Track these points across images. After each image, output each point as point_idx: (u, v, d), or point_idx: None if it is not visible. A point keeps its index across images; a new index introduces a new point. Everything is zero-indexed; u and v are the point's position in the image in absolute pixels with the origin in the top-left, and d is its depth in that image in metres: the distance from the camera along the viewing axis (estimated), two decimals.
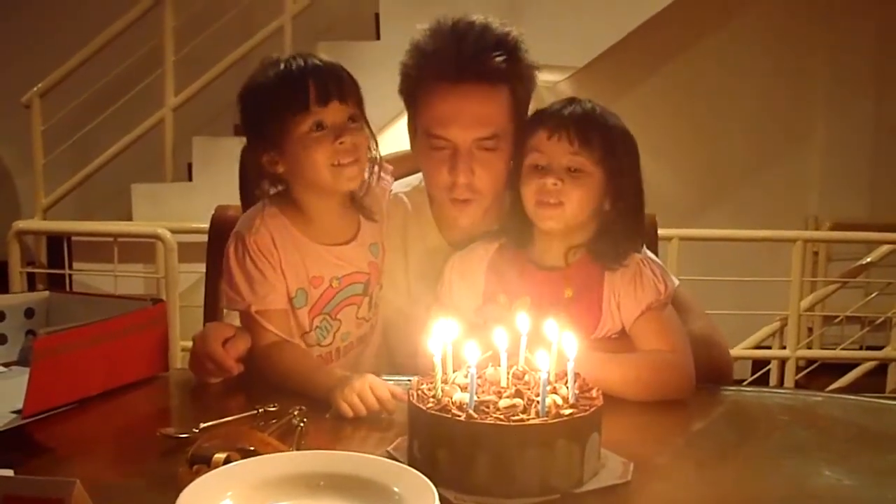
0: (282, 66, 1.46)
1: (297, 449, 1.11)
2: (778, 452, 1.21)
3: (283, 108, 1.43)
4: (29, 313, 1.60)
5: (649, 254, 1.54)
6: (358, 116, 1.47)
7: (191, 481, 0.94)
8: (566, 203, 1.42)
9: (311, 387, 1.37)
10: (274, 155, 1.48)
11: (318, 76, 1.43)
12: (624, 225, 1.45)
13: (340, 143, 1.43)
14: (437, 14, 1.56)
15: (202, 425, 1.20)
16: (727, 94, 5.19)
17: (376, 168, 1.54)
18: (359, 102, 1.48)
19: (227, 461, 1.00)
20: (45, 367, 1.24)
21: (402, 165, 1.73)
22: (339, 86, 1.44)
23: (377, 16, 4.32)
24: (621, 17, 4.28)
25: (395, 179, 1.71)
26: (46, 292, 1.63)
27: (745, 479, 1.13)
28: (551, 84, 4.97)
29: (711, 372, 1.45)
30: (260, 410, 1.28)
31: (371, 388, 1.30)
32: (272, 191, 1.53)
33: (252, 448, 1.06)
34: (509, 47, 1.52)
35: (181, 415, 1.46)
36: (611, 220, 1.45)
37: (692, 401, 1.36)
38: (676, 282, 1.50)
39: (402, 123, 1.68)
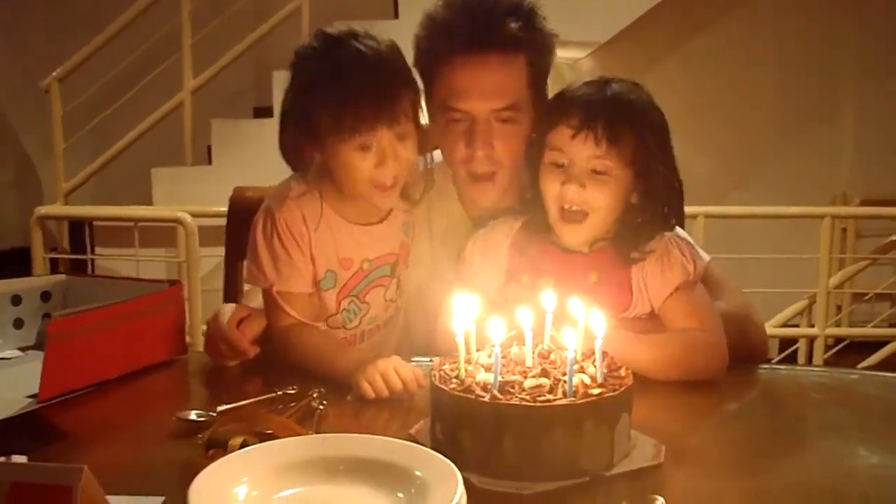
0: (338, 57, 1.36)
1: (317, 432, 1.08)
2: (814, 432, 1.17)
3: (327, 118, 1.36)
4: (45, 297, 1.58)
5: (679, 230, 1.49)
6: (408, 133, 1.39)
7: (206, 466, 0.90)
8: (590, 214, 1.35)
9: (332, 369, 1.33)
10: (315, 146, 1.42)
11: (371, 95, 1.34)
12: (652, 214, 1.38)
13: (382, 167, 1.38)
14: None
15: (219, 408, 1.18)
16: (753, 68, 5.09)
17: (425, 176, 1.52)
18: (413, 114, 1.40)
19: (243, 445, 0.97)
20: (60, 350, 1.22)
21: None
22: (391, 107, 1.35)
23: None
24: None
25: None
26: (63, 275, 1.61)
27: (780, 460, 1.08)
28: (572, 61, 4.89)
29: (746, 350, 1.40)
30: (279, 393, 1.25)
31: (395, 370, 1.27)
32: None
33: (270, 431, 1.02)
34: (525, 14, 1.46)
35: (199, 398, 1.43)
36: (636, 215, 1.38)
37: (724, 380, 1.32)
38: (707, 258, 1.45)
39: None
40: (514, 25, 1.44)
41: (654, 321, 1.39)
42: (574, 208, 1.34)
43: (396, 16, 4.20)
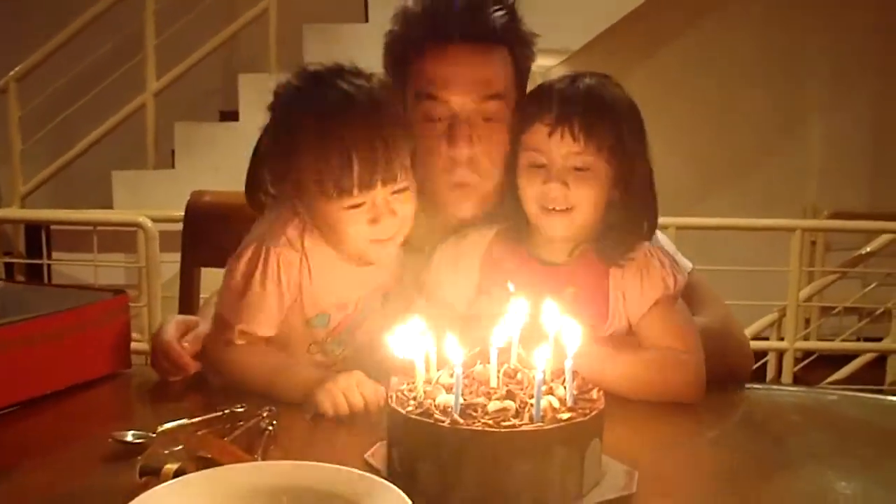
0: (322, 102, 1.22)
1: (264, 457, 1.00)
2: (794, 459, 1.10)
3: (310, 174, 1.22)
4: None
5: (661, 239, 1.42)
6: (404, 186, 1.25)
7: (137, 495, 0.82)
8: (576, 208, 1.28)
9: (287, 386, 1.23)
10: (295, 197, 1.28)
11: (364, 150, 1.19)
12: (633, 215, 1.31)
13: (377, 225, 1.25)
14: None
15: (160, 428, 1.09)
16: (725, 80, 5.08)
17: None
18: (411, 164, 1.27)
19: (178, 473, 0.88)
20: None
21: None
22: (388, 163, 1.21)
23: None
24: (616, 1, 4.17)
25: None
26: (0, 282, 1.51)
27: (759, 490, 1.02)
28: (545, 69, 4.85)
29: (726, 368, 1.32)
30: (225, 412, 1.16)
31: (357, 386, 1.18)
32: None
33: (210, 457, 0.94)
34: (508, 5, 1.39)
35: (141, 416, 1.33)
36: (618, 211, 1.31)
37: (700, 401, 1.25)
38: (689, 266, 1.38)
39: None
40: (498, 15, 1.37)
41: (630, 339, 1.32)
42: (558, 208, 1.28)
43: (367, 19, 4.12)
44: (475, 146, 1.35)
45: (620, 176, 1.29)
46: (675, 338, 1.28)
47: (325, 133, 1.21)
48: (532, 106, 1.32)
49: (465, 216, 1.40)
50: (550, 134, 1.27)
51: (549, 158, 1.28)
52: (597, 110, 1.27)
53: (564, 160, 1.27)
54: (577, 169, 1.27)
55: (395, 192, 1.24)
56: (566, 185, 1.27)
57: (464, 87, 1.34)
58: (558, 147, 1.27)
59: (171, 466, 0.89)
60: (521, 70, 1.41)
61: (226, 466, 0.89)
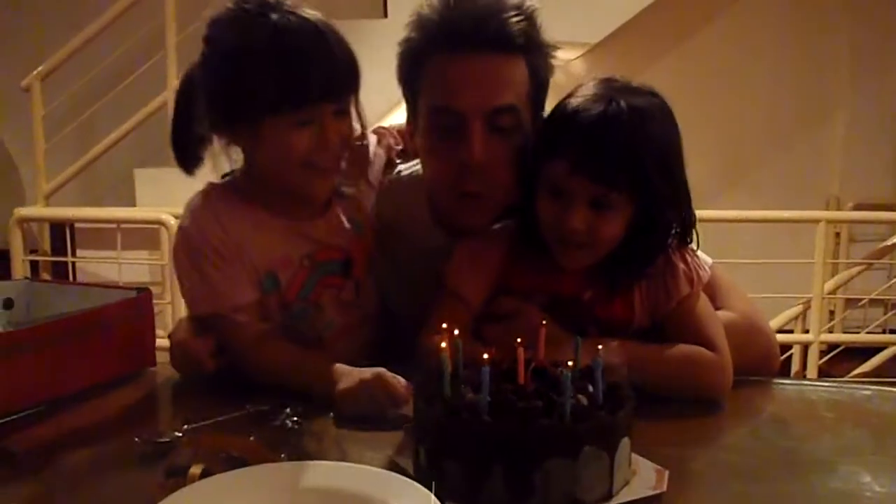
0: (272, 32, 1.20)
1: (289, 456, 0.99)
2: (829, 457, 1.08)
3: (264, 89, 1.21)
4: (7, 304, 1.48)
5: None
6: (347, 109, 1.28)
7: (163, 497, 0.82)
8: (595, 243, 1.22)
9: (310, 380, 1.22)
10: (229, 131, 1.28)
11: (320, 62, 1.21)
12: (659, 237, 1.26)
13: (321, 146, 1.25)
14: None
15: (185, 427, 1.09)
16: (745, 71, 5.03)
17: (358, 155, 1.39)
18: (354, 88, 1.28)
19: (204, 473, 0.88)
20: (4, 368, 1.12)
21: None
22: (337, 78, 1.24)
23: None
24: None
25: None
26: (26, 280, 1.52)
27: (792, 489, 1.00)
28: (563, 62, 4.81)
29: (752, 362, 1.30)
30: (250, 410, 1.16)
31: (382, 383, 1.16)
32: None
33: (236, 456, 0.94)
34: (526, 14, 1.33)
35: (166, 415, 1.34)
36: (643, 236, 1.25)
37: (729, 397, 1.23)
38: (709, 261, 1.36)
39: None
40: (514, 22, 1.30)
41: (655, 337, 1.29)
42: (576, 241, 1.22)
43: (385, 14, 4.11)
44: (485, 154, 1.30)
45: (649, 210, 1.22)
46: (700, 335, 1.26)
47: (282, 48, 1.20)
48: (554, 133, 1.23)
49: (472, 226, 1.37)
50: (572, 172, 1.19)
51: (570, 191, 1.20)
52: (630, 149, 1.17)
53: (586, 195, 1.20)
54: (601, 205, 1.20)
55: (338, 115, 1.25)
56: (585, 219, 1.20)
57: (475, 96, 1.29)
58: (580, 183, 1.19)
59: (198, 468, 0.89)
60: (538, 82, 1.35)
61: (252, 467, 0.89)
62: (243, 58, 1.23)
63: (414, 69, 1.36)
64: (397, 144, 1.56)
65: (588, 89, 1.22)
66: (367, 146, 1.47)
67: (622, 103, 1.18)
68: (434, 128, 1.34)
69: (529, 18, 1.33)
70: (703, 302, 1.30)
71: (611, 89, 1.21)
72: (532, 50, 1.34)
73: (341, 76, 1.24)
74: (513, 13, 1.31)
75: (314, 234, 1.37)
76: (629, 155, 1.17)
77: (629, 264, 1.27)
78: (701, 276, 1.29)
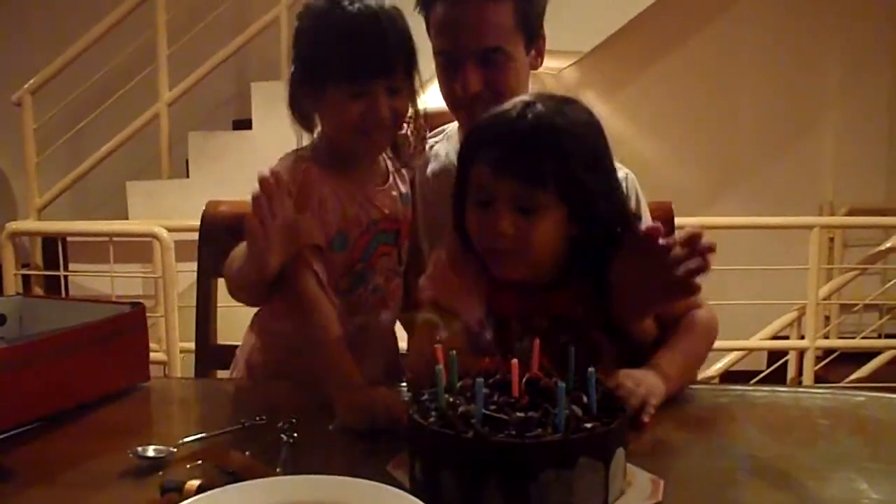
0: (341, 10, 1.37)
1: (284, 470, 0.99)
2: (824, 464, 1.08)
3: (323, 63, 1.37)
4: (1, 319, 1.48)
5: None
6: (401, 89, 1.40)
7: None
8: (525, 249, 1.19)
9: (328, 373, 1.25)
10: (312, 97, 1.43)
11: (370, 42, 1.35)
12: (598, 239, 1.22)
13: (369, 113, 1.37)
14: None
15: (180, 442, 1.09)
16: (736, 78, 5.06)
17: (412, 132, 1.51)
18: (409, 68, 1.41)
19: (201, 488, 0.88)
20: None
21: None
22: (386, 59, 1.36)
23: None
24: (627, 1, 4.15)
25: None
26: (19, 296, 1.51)
27: (788, 496, 1.00)
28: (556, 71, 4.84)
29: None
30: (246, 424, 1.16)
31: (383, 402, 1.15)
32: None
33: (233, 471, 0.93)
34: None
35: (161, 429, 1.33)
36: (581, 241, 1.22)
37: (724, 404, 1.24)
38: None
39: None
40: None
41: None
42: (504, 247, 1.19)
43: None
44: (483, 78, 1.46)
45: (577, 211, 1.20)
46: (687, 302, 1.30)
47: (338, 29, 1.36)
48: (474, 142, 1.24)
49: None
50: (495, 173, 1.18)
51: (495, 196, 1.18)
52: (547, 149, 1.16)
53: (511, 200, 1.18)
54: (526, 209, 1.18)
55: (391, 92, 1.38)
56: (512, 226, 1.17)
57: (462, 32, 1.45)
58: (504, 187, 1.17)
59: (194, 482, 0.88)
60: (528, 15, 1.48)
61: (249, 482, 0.88)
62: (314, 36, 1.41)
63: (427, 21, 1.52)
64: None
65: (503, 107, 1.23)
66: (425, 132, 1.60)
67: (538, 104, 1.19)
68: (440, 65, 1.51)
69: None
70: None
71: (525, 101, 1.21)
72: None
73: (391, 57, 1.37)
74: None
75: (378, 202, 1.47)
76: (549, 148, 1.16)
77: (598, 263, 1.24)
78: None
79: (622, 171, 1.53)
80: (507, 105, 1.22)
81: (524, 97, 1.23)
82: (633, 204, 1.53)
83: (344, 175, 1.44)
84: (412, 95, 1.44)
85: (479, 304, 1.26)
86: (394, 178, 1.53)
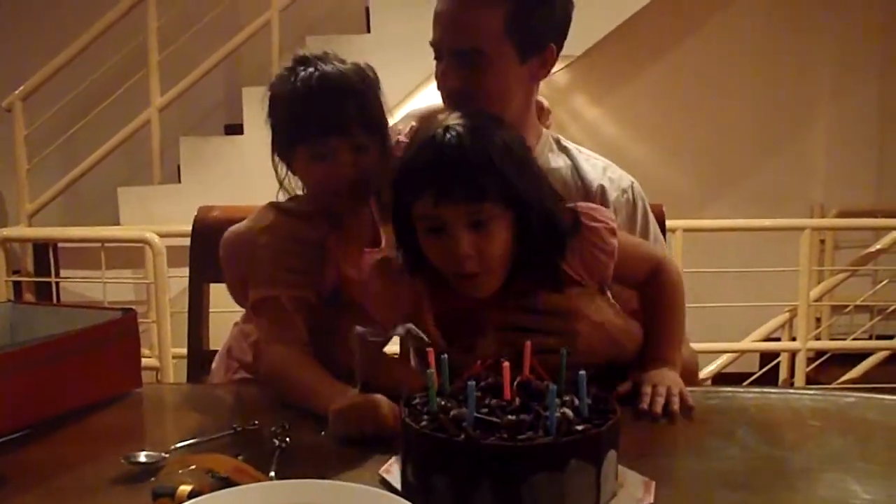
0: (297, 77, 1.38)
1: (277, 474, 0.99)
2: (815, 465, 1.08)
3: (286, 131, 1.40)
4: None
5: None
6: (368, 145, 1.38)
7: None
8: (489, 264, 1.21)
9: (310, 396, 1.25)
10: (284, 161, 1.45)
11: (322, 104, 1.36)
12: (547, 237, 1.23)
13: (334, 174, 1.37)
14: (428, 7, 1.48)
15: (172, 447, 1.09)
16: (728, 81, 5.07)
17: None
18: (371, 126, 1.39)
19: (192, 494, 0.88)
20: None
21: None
22: (341, 117, 1.36)
23: (367, 9, 4.20)
24: (619, 4, 4.17)
25: None
26: (10, 303, 1.51)
27: (779, 497, 1.01)
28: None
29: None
30: (238, 429, 1.16)
31: (371, 408, 1.15)
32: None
33: (225, 476, 0.93)
34: None
35: (153, 435, 1.32)
36: (532, 242, 1.23)
37: (715, 406, 1.24)
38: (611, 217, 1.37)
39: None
40: None
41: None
42: (467, 271, 1.21)
43: (368, 30, 4.12)
44: (459, 78, 1.44)
45: (520, 212, 1.21)
46: (647, 261, 1.36)
47: (294, 93, 1.38)
48: (407, 178, 1.23)
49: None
50: (436, 203, 1.18)
51: (446, 221, 1.19)
52: (478, 154, 1.18)
53: (462, 219, 1.18)
54: (478, 222, 1.19)
55: (354, 149, 1.37)
56: (473, 246, 1.19)
57: (443, 28, 1.44)
58: (452, 209, 1.18)
59: (186, 488, 0.88)
60: (521, 32, 1.43)
61: (241, 487, 0.89)
62: (276, 102, 1.42)
63: None
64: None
65: (417, 136, 1.27)
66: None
67: (454, 123, 1.20)
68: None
69: None
70: (623, 235, 1.35)
71: (437, 123, 1.23)
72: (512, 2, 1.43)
73: (346, 115, 1.36)
74: None
75: (372, 255, 1.43)
76: (481, 159, 1.18)
77: (548, 254, 1.26)
78: (610, 218, 1.33)
79: (627, 180, 1.55)
80: (420, 136, 1.23)
81: (429, 125, 1.24)
82: (639, 212, 1.54)
83: (338, 233, 1.43)
84: (384, 151, 1.41)
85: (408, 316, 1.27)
86: (384, 238, 1.49)
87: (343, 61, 1.41)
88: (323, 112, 1.35)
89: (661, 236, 1.60)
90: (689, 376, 1.38)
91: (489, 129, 1.21)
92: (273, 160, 1.44)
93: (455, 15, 1.44)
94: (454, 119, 1.21)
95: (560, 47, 1.51)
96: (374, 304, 1.34)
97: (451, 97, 1.47)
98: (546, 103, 1.71)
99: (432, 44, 1.48)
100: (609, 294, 1.40)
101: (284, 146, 1.41)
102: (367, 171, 1.39)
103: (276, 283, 1.37)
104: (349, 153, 1.37)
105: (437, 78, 1.50)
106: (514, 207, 1.20)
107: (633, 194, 1.54)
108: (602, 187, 1.52)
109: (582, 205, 1.34)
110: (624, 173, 1.58)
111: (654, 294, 1.37)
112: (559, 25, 1.50)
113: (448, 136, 1.19)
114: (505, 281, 1.25)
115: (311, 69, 1.38)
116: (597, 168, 1.56)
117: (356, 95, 1.37)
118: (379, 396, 1.16)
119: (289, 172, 1.44)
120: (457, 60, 1.45)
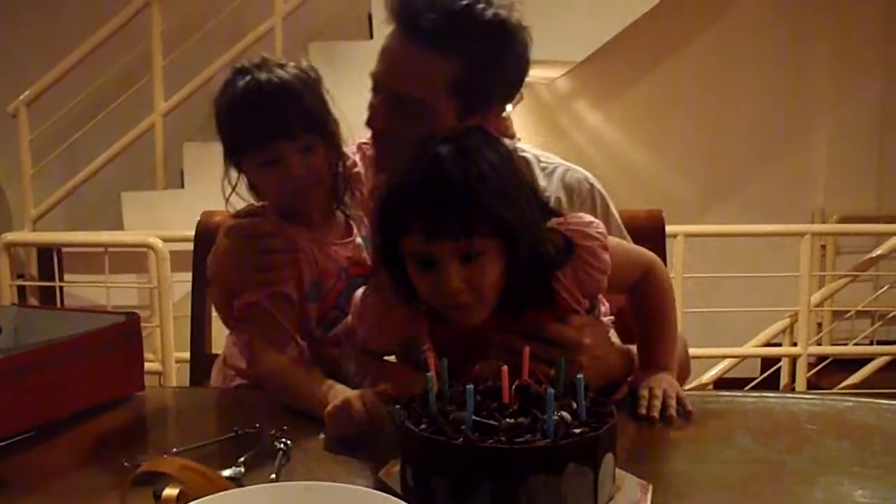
0: (238, 86, 1.38)
1: (278, 476, 1.00)
2: (812, 469, 1.09)
3: (233, 139, 1.41)
4: None
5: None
6: (315, 145, 1.39)
7: None
8: (481, 295, 1.17)
9: (307, 398, 1.26)
10: (238, 172, 1.45)
11: (262, 111, 1.36)
12: (538, 258, 1.19)
13: (285, 178, 1.38)
14: None
15: (174, 451, 1.10)
16: (729, 86, 5.09)
17: (343, 180, 1.49)
18: (314, 125, 1.39)
19: (181, 496, 0.88)
20: None
21: None
22: (282, 121, 1.36)
23: (370, 16, 4.21)
24: (620, 10, 4.18)
25: None
26: (14, 307, 1.52)
27: (776, 501, 1.01)
28: (549, 80, 4.87)
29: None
30: (238, 433, 1.17)
31: (363, 402, 1.16)
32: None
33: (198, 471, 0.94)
34: (453, 12, 1.36)
35: (156, 439, 1.33)
36: (524, 264, 1.18)
37: (713, 410, 1.26)
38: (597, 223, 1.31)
39: None
40: (432, 20, 1.36)
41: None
42: (462, 301, 1.17)
43: (371, 36, 4.14)
44: (383, 123, 1.43)
45: (510, 241, 1.16)
46: (637, 266, 1.33)
47: (231, 106, 1.39)
48: (393, 213, 1.17)
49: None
50: (429, 239, 1.13)
51: (436, 256, 1.14)
52: (465, 188, 1.11)
53: (452, 254, 1.14)
54: (468, 255, 1.14)
55: (303, 151, 1.38)
56: (464, 280, 1.14)
57: (386, 71, 1.41)
58: (442, 244, 1.13)
59: (173, 491, 0.89)
60: (470, 86, 1.38)
61: (245, 489, 0.89)
62: (220, 114, 1.42)
63: None
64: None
65: (401, 163, 1.19)
66: (355, 170, 1.57)
67: (439, 150, 1.14)
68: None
69: (459, 15, 1.37)
70: (613, 243, 1.28)
71: (422, 148, 1.16)
72: (463, 51, 1.37)
73: (291, 119, 1.36)
74: (435, 10, 1.36)
75: (346, 255, 1.48)
76: (472, 195, 1.11)
77: (540, 277, 1.22)
78: (602, 233, 1.26)
79: (586, 183, 1.55)
80: (409, 164, 1.16)
81: (414, 153, 1.17)
82: (599, 211, 1.54)
83: (309, 230, 1.45)
84: (331, 147, 1.42)
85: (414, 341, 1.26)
86: (354, 228, 1.52)
87: (283, 65, 1.40)
88: (264, 119, 1.36)
89: (625, 230, 1.58)
90: (681, 364, 1.39)
91: (477, 154, 1.14)
92: (226, 172, 1.43)
93: (403, 58, 1.40)
94: (442, 146, 1.14)
95: (504, 107, 1.49)
96: (368, 331, 1.32)
97: (381, 136, 1.46)
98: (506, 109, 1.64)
99: (372, 76, 1.45)
100: (603, 308, 1.39)
101: (233, 157, 1.42)
102: (319, 169, 1.41)
103: (250, 286, 1.38)
104: (296, 155, 1.37)
105: (369, 109, 1.47)
106: (505, 237, 1.16)
107: (592, 196, 1.55)
108: (558, 199, 1.53)
109: (573, 220, 1.27)
110: (582, 174, 1.58)
111: (644, 299, 1.34)
112: (509, 86, 1.46)
113: (435, 168, 1.13)
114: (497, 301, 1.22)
115: (247, 78, 1.38)
116: (554, 176, 1.56)
117: (295, 98, 1.37)
118: (365, 392, 1.18)
119: (240, 181, 1.45)
120: (394, 102, 1.41)
